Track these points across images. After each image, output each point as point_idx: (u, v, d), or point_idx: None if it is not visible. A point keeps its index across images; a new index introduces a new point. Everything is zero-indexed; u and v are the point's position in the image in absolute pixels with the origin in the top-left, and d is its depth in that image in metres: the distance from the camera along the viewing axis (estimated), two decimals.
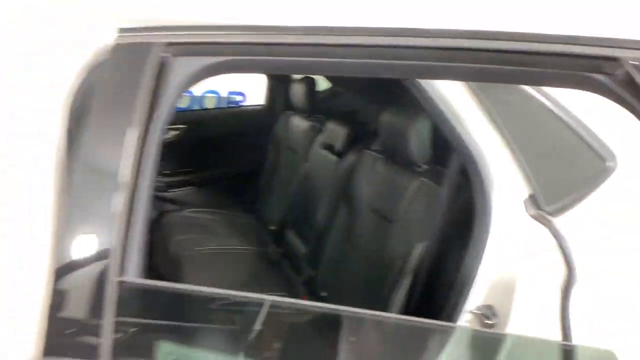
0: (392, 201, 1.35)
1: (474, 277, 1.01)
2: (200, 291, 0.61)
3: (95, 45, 0.69)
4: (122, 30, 0.66)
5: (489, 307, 1.03)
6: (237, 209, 2.40)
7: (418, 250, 1.20)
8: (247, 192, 2.54)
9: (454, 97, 0.99)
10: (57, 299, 0.60)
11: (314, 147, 1.95)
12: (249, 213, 2.39)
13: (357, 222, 1.51)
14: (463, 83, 0.99)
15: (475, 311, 1.02)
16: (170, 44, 0.65)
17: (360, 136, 1.73)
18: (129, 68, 0.64)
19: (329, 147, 1.82)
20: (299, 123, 2.20)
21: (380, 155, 1.49)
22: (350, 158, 1.64)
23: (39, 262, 0.63)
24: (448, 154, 1.14)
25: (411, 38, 0.67)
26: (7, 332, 0.61)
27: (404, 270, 1.23)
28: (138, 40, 0.65)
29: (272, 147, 2.46)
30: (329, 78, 2.34)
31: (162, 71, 0.64)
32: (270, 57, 0.69)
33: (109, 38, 0.68)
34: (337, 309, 0.60)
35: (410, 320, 0.61)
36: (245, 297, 0.60)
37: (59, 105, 0.67)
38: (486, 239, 1.00)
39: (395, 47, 0.68)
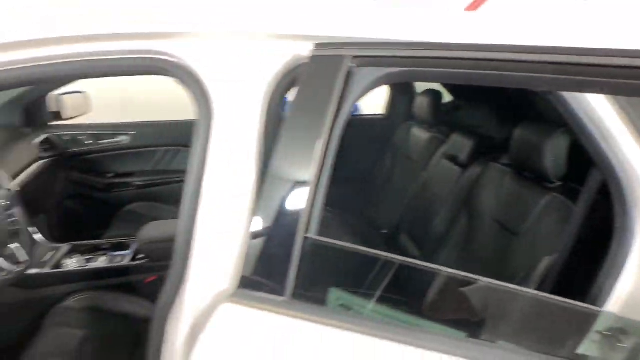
0: (519, 214, 1.37)
1: (607, 297, 1.01)
2: (367, 252, 0.75)
3: (288, 55, 0.87)
4: (318, 45, 0.83)
5: (620, 330, 1.01)
6: (348, 210, 2.56)
7: (544, 264, 1.22)
8: (359, 195, 2.68)
9: (601, 112, 1.00)
10: (253, 248, 0.77)
11: (436, 157, 2.02)
12: (358, 215, 2.53)
13: (477, 232, 1.55)
14: (611, 99, 1.00)
15: (605, 332, 1.01)
16: (356, 57, 0.79)
17: (486, 149, 1.76)
18: (323, 76, 0.80)
19: (452, 158, 1.87)
20: (420, 133, 2.28)
21: (508, 169, 1.51)
22: (475, 169, 1.68)
23: (241, 222, 0.82)
24: (585, 170, 1.14)
25: (570, 56, 0.74)
26: (215, 269, 0.81)
27: (526, 282, 1.25)
28: (331, 53, 0.81)
29: (389, 155, 2.57)
30: (453, 92, 2.39)
31: (348, 80, 0.79)
32: (434, 69, 0.80)
33: (301, 49, 0.86)
34: (483, 280, 0.69)
35: (555, 300, 0.67)
36: (413, 263, 0.73)
37: (258, 104, 0.86)
38: (625, 259, 0.99)
39: (548, 63, 0.75)
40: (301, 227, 0.74)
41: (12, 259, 1.33)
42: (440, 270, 0.73)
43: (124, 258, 1.80)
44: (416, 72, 0.81)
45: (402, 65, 0.80)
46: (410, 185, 2.16)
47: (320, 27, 0.84)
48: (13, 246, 1.36)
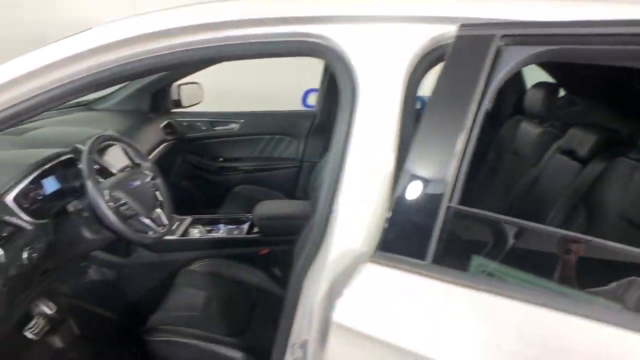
0: None
1: None
2: (510, 221, 0.77)
3: (428, 36, 0.90)
4: (464, 25, 0.86)
5: None
6: None
7: None
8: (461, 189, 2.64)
9: None
10: (393, 216, 0.82)
11: (549, 152, 1.93)
12: None
13: (600, 229, 1.47)
14: None
15: None
16: (505, 35, 0.81)
17: (611, 143, 1.66)
18: (470, 56, 0.83)
19: (570, 153, 1.78)
20: (530, 128, 2.19)
21: (639, 164, 1.42)
22: (598, 165, 1.59)
23: (382, 191, 0.88)
24: None
25: None
26: (355, 232, 0.88)
27: None
28: (478, 33, 0.83)
29: (493, 150, 2.50)
30: (567, 86, 2.26)
31: (496, 58, 0.81)
32: (587, 46, 0.79)
33: (444, 31, 0.89)
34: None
35: None
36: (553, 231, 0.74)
37: (399, 83, 0.91)
38: None
39: None
40: (445, 197, 0.78)
41: (156, 222, 1.53)
42: (580, 238, 0.73)
43: (240, 231, 1.97)
44: (567, 50, 0.81)
45: (553, 44, 0.80)
46: (517, 181, 2.08)
47: (462, 9, 0.87)
48: (158, 211, 1.56)
